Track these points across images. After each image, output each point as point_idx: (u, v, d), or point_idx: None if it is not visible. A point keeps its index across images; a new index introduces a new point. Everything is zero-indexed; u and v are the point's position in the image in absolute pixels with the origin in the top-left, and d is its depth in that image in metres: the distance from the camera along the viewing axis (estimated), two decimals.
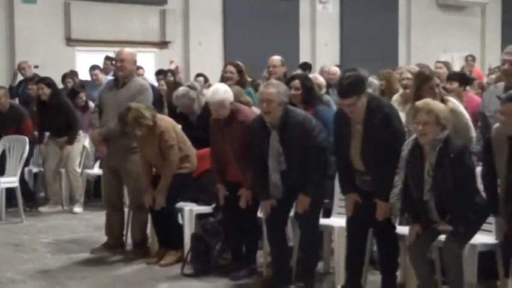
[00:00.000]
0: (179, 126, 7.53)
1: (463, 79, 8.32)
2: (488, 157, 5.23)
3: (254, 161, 6.46)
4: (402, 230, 6.02)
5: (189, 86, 7.88)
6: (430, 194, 5.56)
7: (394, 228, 6.02)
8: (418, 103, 5.71)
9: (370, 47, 19.01)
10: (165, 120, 7.37)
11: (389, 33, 20.71)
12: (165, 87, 11.18)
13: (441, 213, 5.58)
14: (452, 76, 8.32)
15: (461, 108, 6.50)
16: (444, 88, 7.69)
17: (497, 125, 5.15)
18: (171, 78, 12.16)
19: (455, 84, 8.08)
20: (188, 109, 7.76)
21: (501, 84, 6.45)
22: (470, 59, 16.36)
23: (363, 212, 5.99)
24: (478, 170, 5.74)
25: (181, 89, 7.89)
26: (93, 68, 13.09)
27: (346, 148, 5.98)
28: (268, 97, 6.20)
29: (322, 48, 19.37)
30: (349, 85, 5.81)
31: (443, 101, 6.21)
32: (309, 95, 7.12)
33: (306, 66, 13.28)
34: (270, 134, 6.30)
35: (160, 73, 13.42)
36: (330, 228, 6.61)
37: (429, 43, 20.97)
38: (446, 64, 9.81)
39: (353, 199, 6.04)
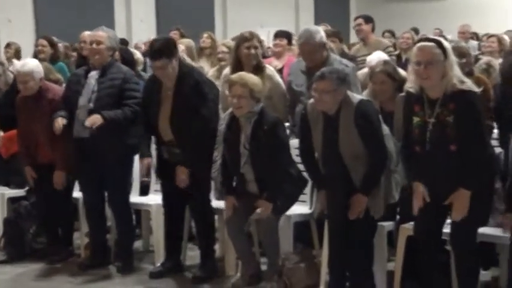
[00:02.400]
0: None
1: (290, 37, 8.50)
2: (305, 132, 5.32)
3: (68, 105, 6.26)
4: (219, 204, 6.06)
5: None
6: (247, 167, 5.62)
7: (209, 202, 6.05)
8: (233, 77, 5.76)
9: (187, 22, 18.94)
10: None
11: (205, 8, 20.78)
12: None
13: (260, 186, 5.65)
14: (280, 33, 8.49)
15: (278, 77, 6.64)
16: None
17: (311, 100, 5.26)
18: None
19: (285, 41, 8.24)
20: None
21: None
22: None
23: (177, 187, 5.98)
24: (293, 142, 5.85)
25: None
26: None
27: (154, 116, 5.95)
28: (98, 38, 6.20)
29: (137, 24, 19.15)
30: (160, 47, 5.84)
31: (260, 67, 6.33)
32: (128, 67, 6.99)
33: (124, 43, 13.15)
34: (89, 73, 6.21)
35: None
36: (147, 207, 6.55)
37: (246, 18, 21.20)
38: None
39: (147, 162, 6.06)
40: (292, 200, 5.74)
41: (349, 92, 5.21)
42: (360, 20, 9.17)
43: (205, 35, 9.46)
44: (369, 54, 7.58)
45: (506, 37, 9.33)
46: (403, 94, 4.96)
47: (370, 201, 5.09)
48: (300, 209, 6.01)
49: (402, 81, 5.72)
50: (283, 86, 6.56)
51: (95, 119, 5.96)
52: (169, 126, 5.89)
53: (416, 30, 15.18)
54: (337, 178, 5.17)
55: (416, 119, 4.73)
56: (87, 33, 8.78)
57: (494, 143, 5.67)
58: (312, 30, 6.38)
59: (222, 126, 5.74)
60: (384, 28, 13.21)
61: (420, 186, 4.78)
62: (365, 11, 14.22)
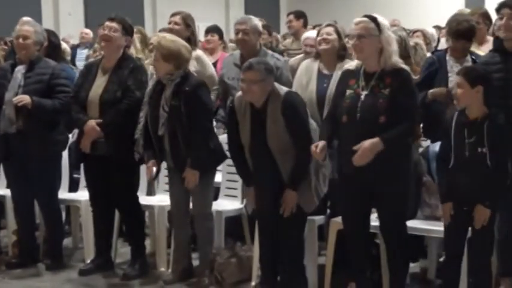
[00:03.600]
0: None
1: (221, 32, 8.54)
2: (232, 126, 5.31)
3: None
4: (149, 200, 6.00)
5: None
6: (165, 129, 5.54)
7: (137, 198, 6.00)
8: (153, 39, 5.92)
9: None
10: None
11: (135, 1, 20.60)
12: None
13: (175, 155, 5.57)
14: (212, 29, 8.50)
15: (207, 59, 6.66)
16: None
17: (239, 93, 5.26)
18: None
19: (216, 37, 8.28)
20: None
21: (237, 52, 6.63)
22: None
23: (103, 181, 5.92)
24: (223, 137, 5.83)
25: None
26: None
27: (85, 90, 5.86)
28: (24, 33, 6.08)
29: (65, 18, 18.88)
30: (121, 16, 5.96)
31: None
32: (53, 50, 6.86)
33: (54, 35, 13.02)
34: (15, 67, 6.09)
35: None
36: (76, 203, 6.46)
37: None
38: None
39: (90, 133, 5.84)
40: (212, 168, 5.70)
41: (276, 84, 5.23)
42: (291, 17, 9.26)
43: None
44: (300, 49, 7.63)
45: (431, 31, 9.53)
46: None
47: (300, 196, 5.12)
48: (231, 204, 6.01)
49: (344, 47, 5.87)
50: (212, 68, 6.59)
51: (24, 97, 5.85)
52: (98, 100, 5.80)
53: (335, 23, 15.36)
54: (265, 171, 5.18)
55: (349, 92, 4.79)
56: (25, 19, 8.62)
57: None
58: (251, 16, 6.59)
59: (149, 88, 5.70)
60: (315, 22, 13.29)
61: (323, 142, 4.81)
62: (295, 5, 14.28)
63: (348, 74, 4.90)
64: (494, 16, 5.86)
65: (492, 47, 5.42)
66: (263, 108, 5.13)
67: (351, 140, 4.71)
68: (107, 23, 5.89)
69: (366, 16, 4.80)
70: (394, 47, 4.77)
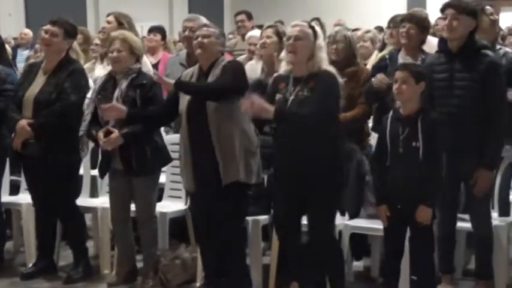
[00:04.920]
0: None
1: (164, 32, 8.57)
2: (174, 95, 5.31)
3: None
4: (92, 202, 5.93)
5: None
6: (115, 121, 5.48)
7: (74, 200, 5.93)
8: (114, 33, 5.84)
9: (58, 16, 18.55)
10: None
11: (77, 2, 20.40)
12: None
13: (123, 152, 5.49)
14: (154, 29, 8.52)
15: (148, 63, 6.71)
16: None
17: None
18: None
19: (158, 36, 8.29)
20: None
21: (183, 52, 6.62)
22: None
23: (41, 183, 5.83)
24: (168, 138, 5.80)
25: None
26: None
27: (23, 90, 5.81)
28: None
29: (6, 19, 18.62)
30: (63, 19, 5.90)
31: None
32: None
33: None
34: None
35: None
36: (18, 206, 6.35)
37: None
38: None
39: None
40: (158, 167, 5.66)
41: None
42: (243, 17, 9.26)
43: None
44: (244, 50, 7.64)
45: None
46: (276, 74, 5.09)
47: (223, 163, 5.09)
48: (175, 205, 5.99)
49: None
50: (148, 64, 6.63)
51: None
52: (32, 100, 5.72)
53: (282, 23, 15.42)
54: (200, 142, 5.13)
55: (279, 96, 4.85)
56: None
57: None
58: (200, 16, 6.65)
59: (97, 85, 5.65)
60: (259, 22, 13.32)
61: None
62: (239, 6, 14.30)
63: (278, 79, 4.96)
64: (433, 17, 5.94)
65: (437, 47, 5.49)
66: (207, 72, 5.20)
67: (284, 143, 4.82)
68: (48, 27, 5.81)
69: (304, 21, 4.89)
70: (324, 55, 4.87)
